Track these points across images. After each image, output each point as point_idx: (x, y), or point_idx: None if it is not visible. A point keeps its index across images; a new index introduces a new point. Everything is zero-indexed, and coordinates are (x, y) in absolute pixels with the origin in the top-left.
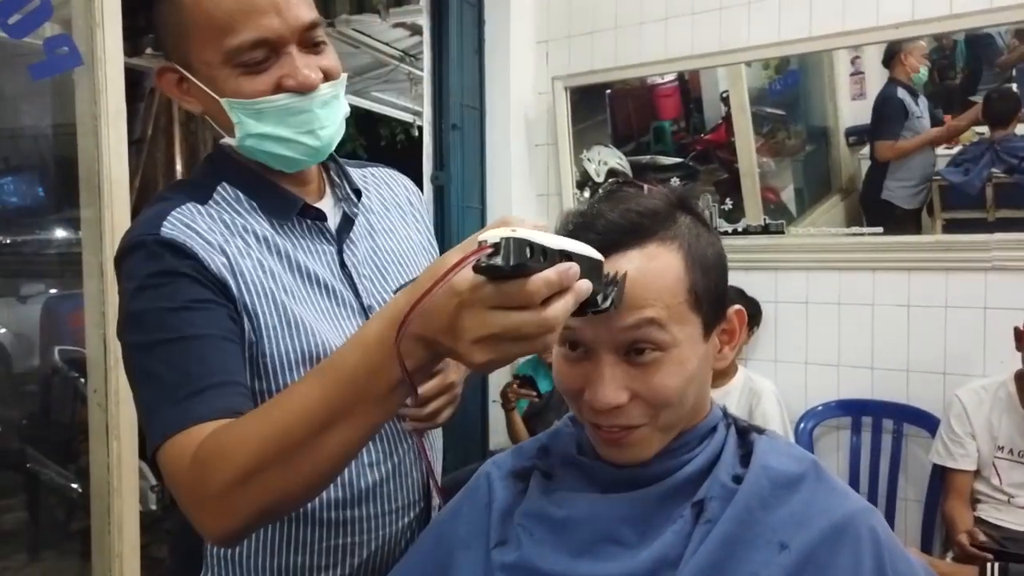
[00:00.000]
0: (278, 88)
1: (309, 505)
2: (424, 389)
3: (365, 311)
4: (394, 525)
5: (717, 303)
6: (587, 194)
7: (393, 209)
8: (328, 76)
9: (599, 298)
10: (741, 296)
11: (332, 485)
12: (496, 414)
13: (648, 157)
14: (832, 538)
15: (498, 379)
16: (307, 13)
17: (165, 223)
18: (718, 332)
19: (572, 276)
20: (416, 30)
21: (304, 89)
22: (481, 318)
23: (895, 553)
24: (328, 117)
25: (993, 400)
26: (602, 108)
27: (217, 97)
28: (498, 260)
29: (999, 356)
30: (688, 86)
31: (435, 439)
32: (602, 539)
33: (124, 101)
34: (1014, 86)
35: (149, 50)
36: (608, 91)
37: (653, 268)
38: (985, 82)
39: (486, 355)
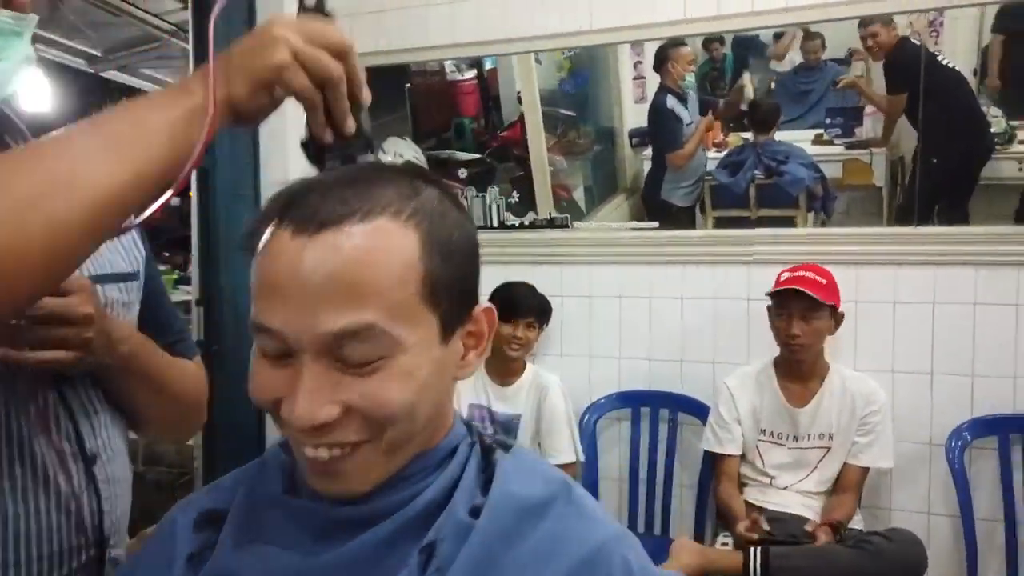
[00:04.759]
0: None
1: None
2: (42, 303)
3: None
4: (52, 573)
5: (462, 299)
6: None
7: None
8: (7, 3)
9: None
10: (533, 294)
11: None
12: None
13: (447, 152)
14: (582, 574)
15: None
16: None
17: None
18: (462, 334)
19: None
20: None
21: None
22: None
23: None
24: None
25: (756, 385)
26: (403, 103)
27: None
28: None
29: (761, 344)
30: (487, 84)
31: (114, 465)
32: None
33: None
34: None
35: None
36: (408, 85)
37: (378, 249)
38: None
39: (289, 34)
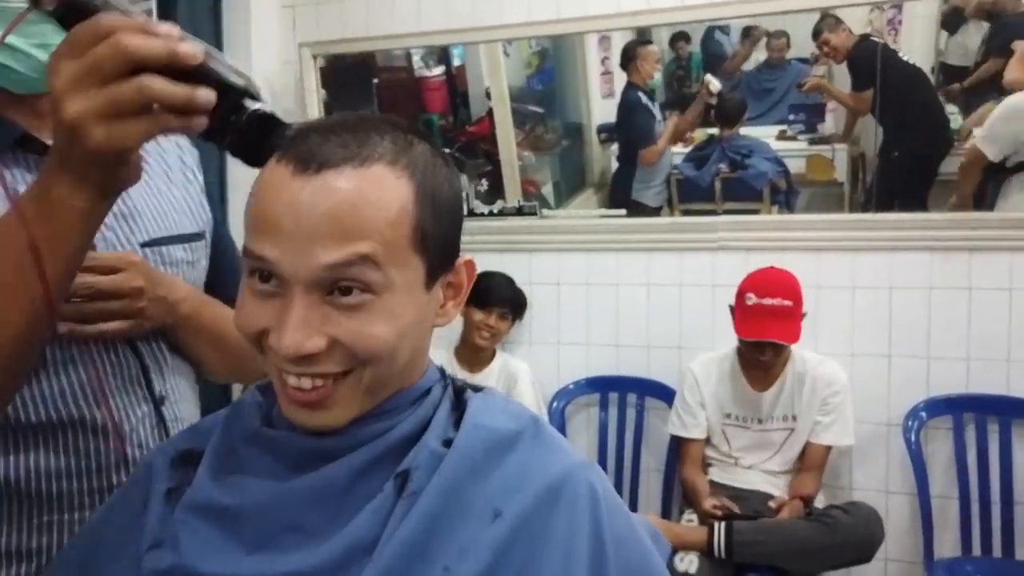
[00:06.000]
0: None
1: (14, 475)
2: (95, 281)
3: None
4: None
5: (446, 249)
6: None
7: (156, 162)
8: None
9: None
10: (510, 285)
11: (40, 448)
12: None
13: None
14: (547, 500)
15: None
16: None
17: None
18: (443, 283)
19: (168, 30)
20: None
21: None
22: (62, 65)
23: (614, 510)
24: None
25: (720, 371)
26: (369, 98)
27: None
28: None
29: (725, 330)
30: (455, 81)
31: (180, 406)
32: (283, 528)
33: None
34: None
35: None
36: (376, 80)
37: (375, 193)
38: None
39: (77, 104)
